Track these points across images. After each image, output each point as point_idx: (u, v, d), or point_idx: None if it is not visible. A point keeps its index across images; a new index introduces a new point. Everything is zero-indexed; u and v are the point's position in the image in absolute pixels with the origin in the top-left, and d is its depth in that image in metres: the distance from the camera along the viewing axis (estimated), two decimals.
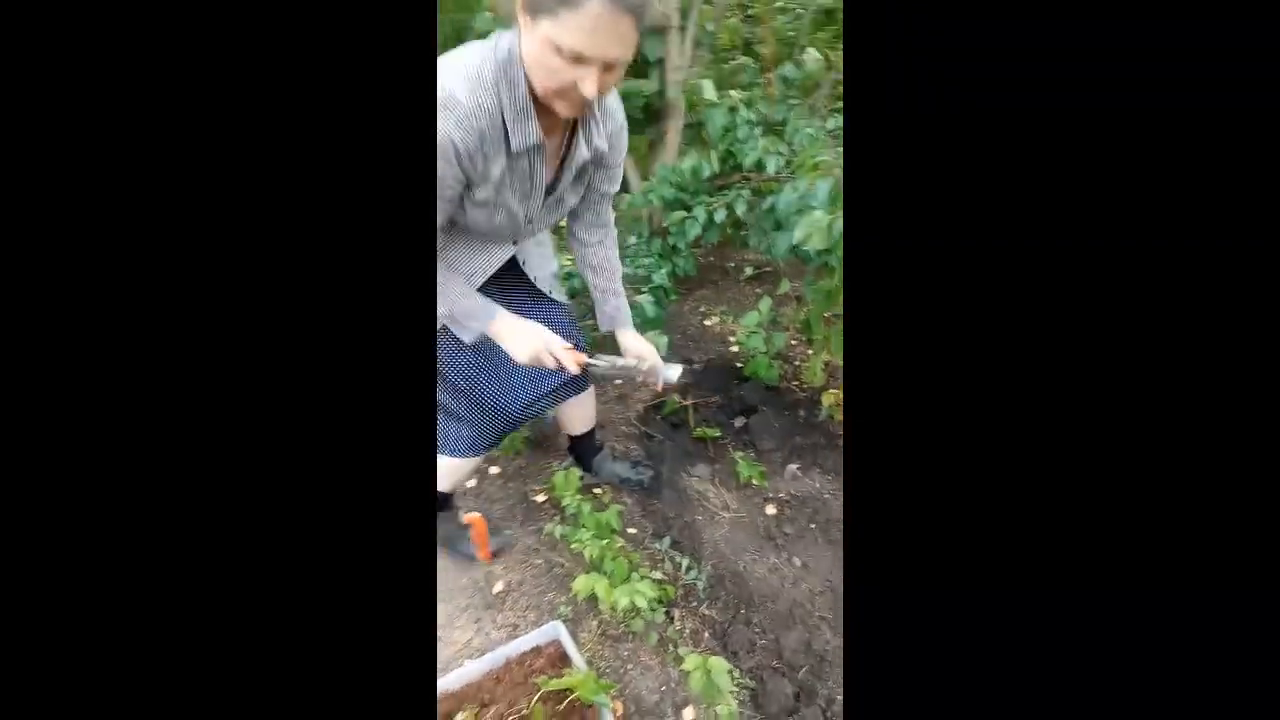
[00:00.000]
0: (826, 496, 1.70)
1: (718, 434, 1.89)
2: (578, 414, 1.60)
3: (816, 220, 1.19)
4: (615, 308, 1.24)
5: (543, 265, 1.22)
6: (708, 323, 2.37)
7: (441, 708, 1.21)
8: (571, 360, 1.04)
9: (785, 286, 1.90)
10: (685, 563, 1.52)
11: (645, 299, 1.73)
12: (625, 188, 2.38)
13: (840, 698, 1.22)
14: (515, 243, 1.07)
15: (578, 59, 0.73)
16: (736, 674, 1.29)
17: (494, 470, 1.82)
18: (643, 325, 1.79)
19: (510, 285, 1.14)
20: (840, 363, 1.90)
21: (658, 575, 1.49)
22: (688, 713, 1.26)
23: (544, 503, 1.72)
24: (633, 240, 2.10)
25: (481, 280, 1.05)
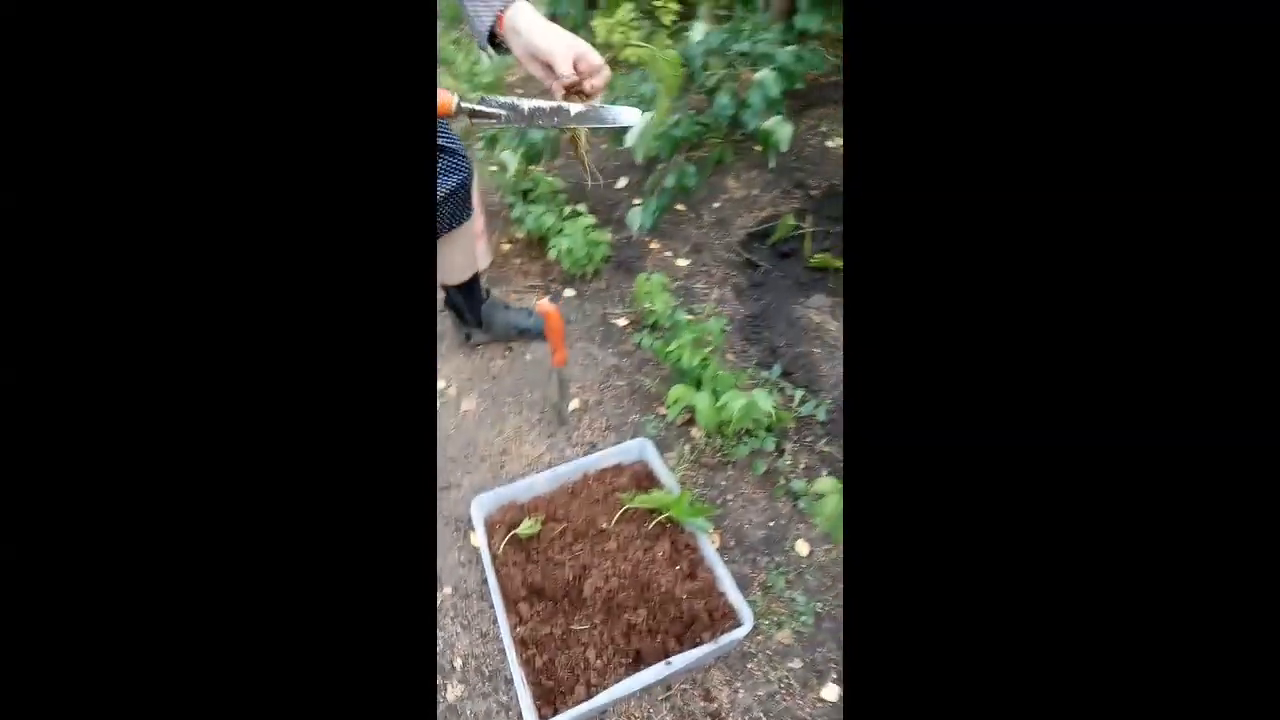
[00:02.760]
0: None
1: (840, 264, 1.54)
2: (454, 257, 1.20)
3: None
4: None
5: None
6: (829, 144, 1.94)
7: (504, 516, 1.02)
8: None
9: None
10: (800, 395, 1.23)
11: (768, 75, 1.34)
12: None
13: None
14: None
15: None
16: None
17: (569, 292, 1.57)
18: (765, 105, 1.39)
19: None
20: None
21: (770, 403, 1.22)
22: (801, 546, 1.02)
23: (626, 327, 1.46)
24: (748, 26, 1.67)
25: None
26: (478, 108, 0.72)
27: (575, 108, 0.73)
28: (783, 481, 1.10)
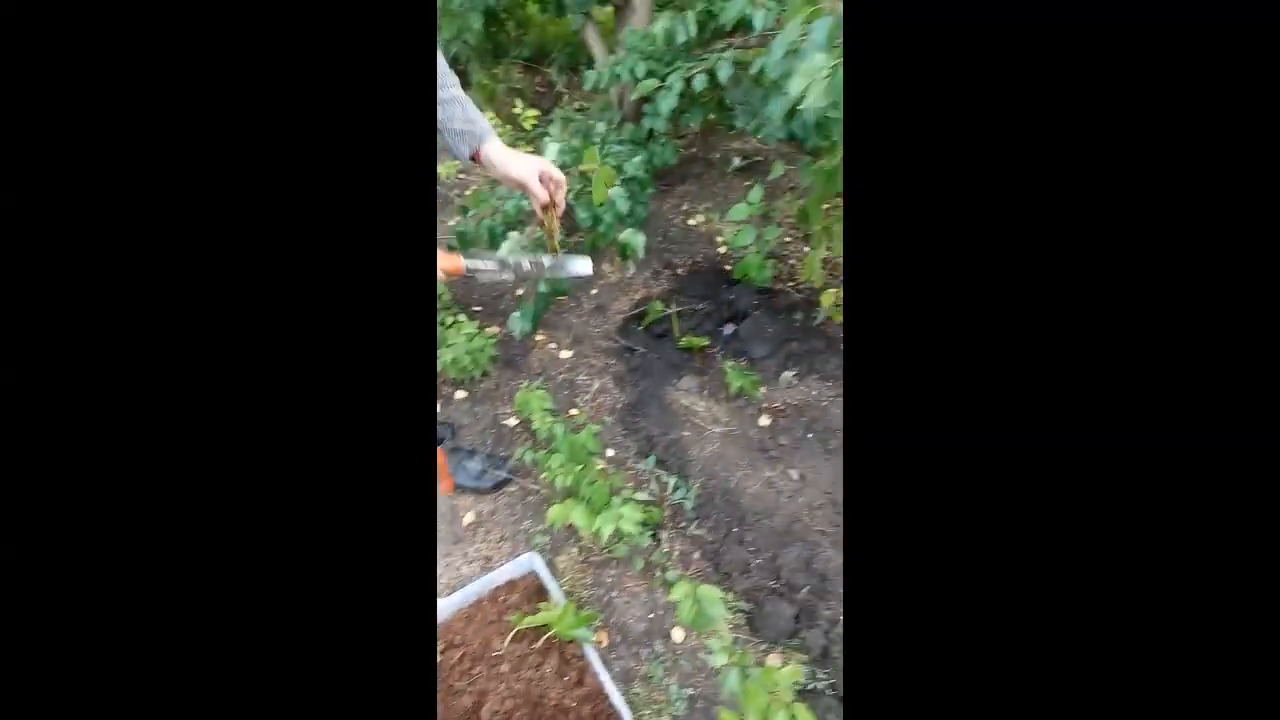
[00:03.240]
0: (825, 404, 1.55)
1: (705, 343, 1.72)
2: None
3: (815, 66, 0.95)
4: (467, 119, 0.90)
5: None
6: (691, 222, 2.14)
7: None
8: (446, 268, 0.88)
9: (779, 170, 1.65)
10: (672, 482, 1.39)
11: (618, 193, 1.49)
12: (589, 64, 2.06)
13: (841, 619, 1.12)
14: None
15: None
16: (730, 598, 1.19)
17: (460, 395, 1.66)
18: (618, 222, 1.56)
19: None
20: (841, 257, 1.70)
21: (643, 496, 1.37)
22: (677, 633, 1.17)
23: (516, 426, 1.57)
24: (601, 127, 1.83)
25: None
26: (479, 266, 0.91)
27: (548, 260, 0.94)
28: (659, 574, 1.24)
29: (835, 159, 1.36)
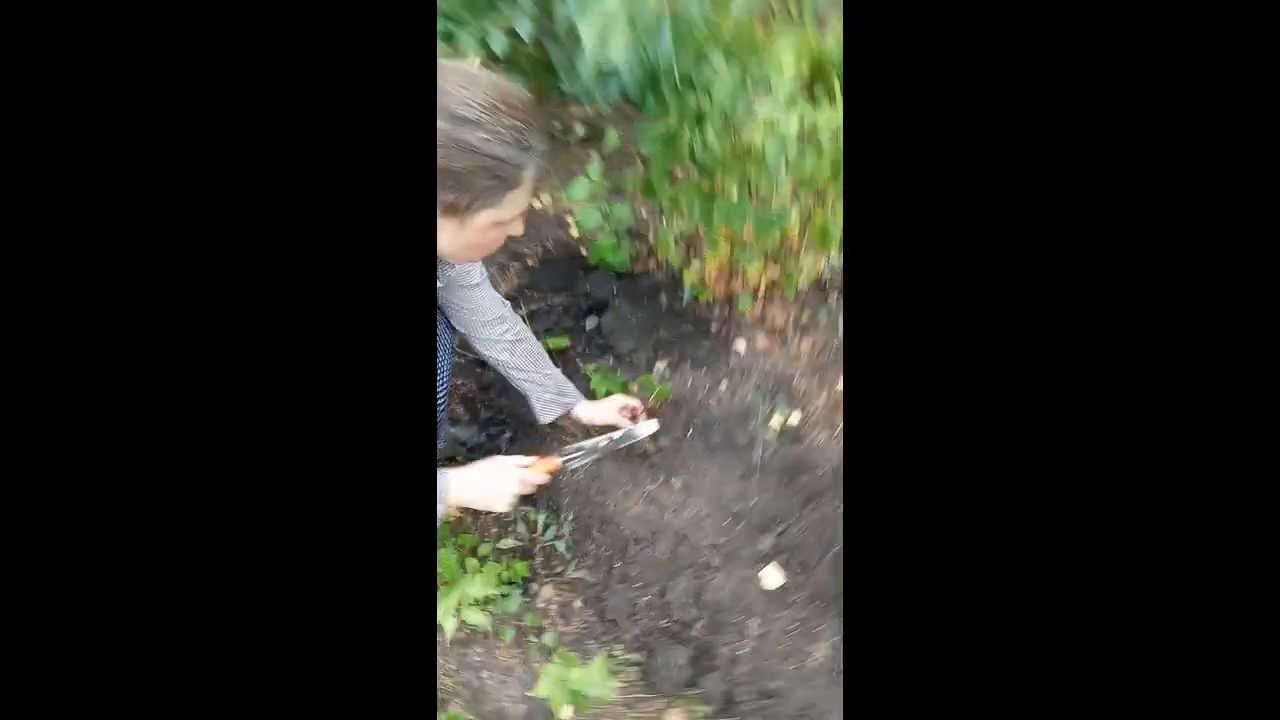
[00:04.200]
0: (701, 396, 1.41)
1: (566, 343, 1.51)
2: None
3: (607, 10, 0.74)
4: (556, 389, 1.12)
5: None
6: (537, 204, 1.90)
7: None
8: (546, 470, 0.94)
9: (613, 140, 1.45)
10: (541, 519, 1.19)
11: None
12: None
13: (743, 652, 0.99)
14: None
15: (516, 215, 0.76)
16: (619, 652, 1.02)
17: None
18: None
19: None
20: (702, 229, 1.54)
21: (509, 543, 1.17)
22: (566, 713, 0.99)
23: None
24: None
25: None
26: (573, 457, 0.99)
27: (619, 434, 1.05)
28: (535, 639, 1.06)
29: (668, 122, 1.18)
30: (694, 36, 1.10)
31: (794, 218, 1.20)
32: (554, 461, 0.96)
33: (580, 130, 2.15)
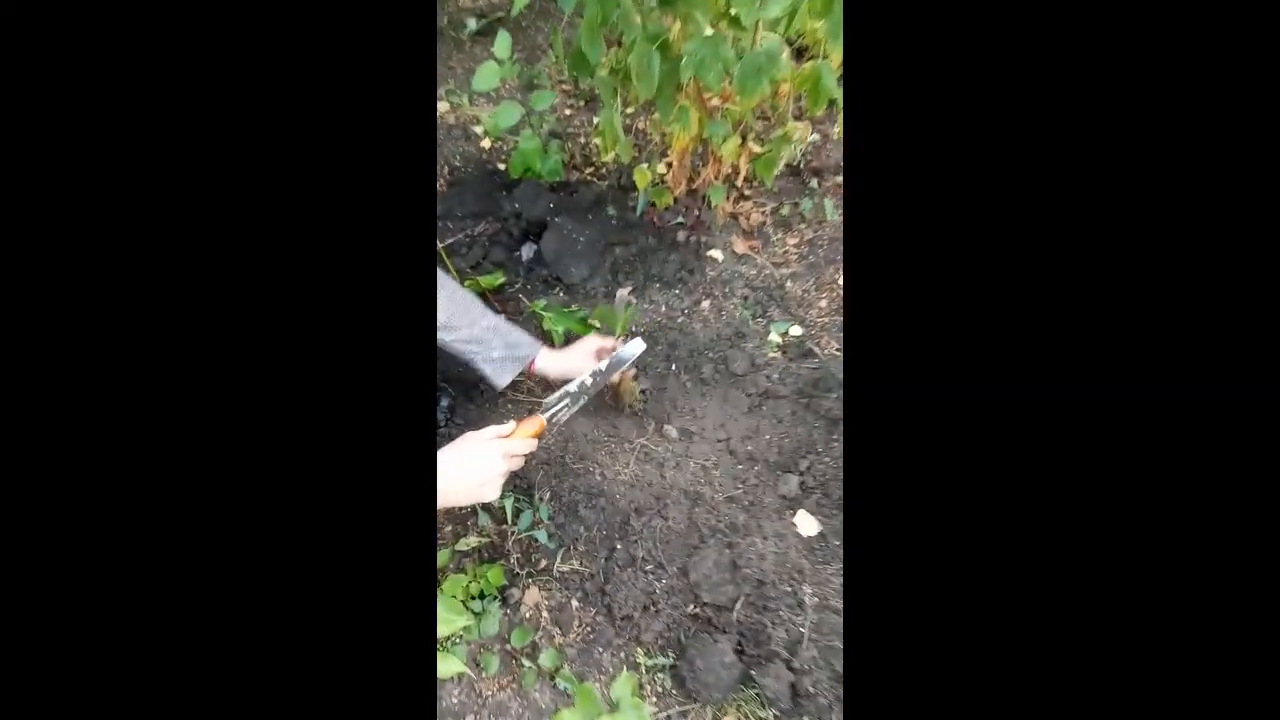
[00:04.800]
0: (680, 317, 1.15)
1: (500, 280, 1.20)
2: None
3: None
4: (504, 344, 0.90)
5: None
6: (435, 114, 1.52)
7: None
8: (532, 434, 0.76)
9: (521, 3, 1.10)
10: (510, 505, 0.92)
11: None
12: None
13: (803, 629, 0.77)
14: None
15: None
16: (642, 658, 0.79)
17: None
18: None
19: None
20: (659, 114, 1.22)
21: (471, 541, 0.89)
22: None
23: None
24: None
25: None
26: (555, 408, 0.81)
27: (603, 364, 0.86)
28: (524, 663, 0.80)
29: None
30: None
31: (784, 60, 0.91)
32: (537, 420, 0.78)
33: (473, 24, 1.74)
